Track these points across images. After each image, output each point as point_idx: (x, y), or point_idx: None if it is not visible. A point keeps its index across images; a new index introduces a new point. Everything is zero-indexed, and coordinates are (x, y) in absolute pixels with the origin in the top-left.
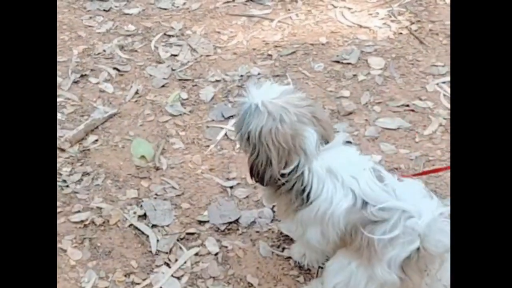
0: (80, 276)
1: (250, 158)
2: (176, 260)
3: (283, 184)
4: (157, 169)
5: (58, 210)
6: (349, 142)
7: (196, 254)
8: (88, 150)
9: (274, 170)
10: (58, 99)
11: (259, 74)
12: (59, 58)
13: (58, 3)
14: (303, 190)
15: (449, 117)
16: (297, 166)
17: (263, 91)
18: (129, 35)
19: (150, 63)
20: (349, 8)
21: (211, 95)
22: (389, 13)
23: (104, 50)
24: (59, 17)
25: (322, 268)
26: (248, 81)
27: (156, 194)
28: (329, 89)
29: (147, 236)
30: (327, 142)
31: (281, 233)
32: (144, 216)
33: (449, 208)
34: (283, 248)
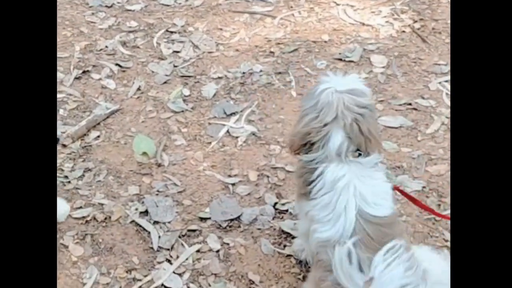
0: (82, 272)
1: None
2: (178, 256)
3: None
4: (159, 165)
5: None
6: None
7: (198, 251)
8: (90, 146)
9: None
10: (60, 95)
11: (261, 71)
12: (61, 54)
13: None
14: (310, 183)
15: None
16: (315, 158)
17: (341, 80)
18: (131, 31)
19: (152, 60)
20: (352, 6)
21: (213, 92)
22: (392, 11)
23: (106, 46)
24: (61, 13)
25: None
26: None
27: (158, 191)
28: None
29: (149, 233)
30: (368, 154)
31: (283, 230)
32: (145, 212)
33: None
34: (285, 246)
